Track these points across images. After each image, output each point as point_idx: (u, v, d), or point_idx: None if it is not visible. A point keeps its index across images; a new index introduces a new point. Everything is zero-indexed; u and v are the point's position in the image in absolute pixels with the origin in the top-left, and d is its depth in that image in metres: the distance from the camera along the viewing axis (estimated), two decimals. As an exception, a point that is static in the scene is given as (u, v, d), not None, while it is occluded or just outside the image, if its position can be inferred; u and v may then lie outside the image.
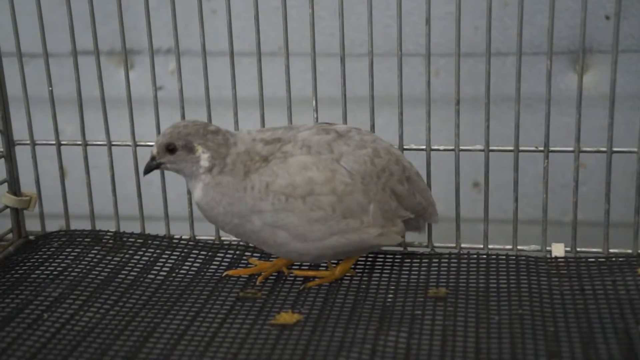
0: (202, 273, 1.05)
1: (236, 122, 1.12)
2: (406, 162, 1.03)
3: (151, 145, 1.15)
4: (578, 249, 1.07)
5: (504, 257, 1.05)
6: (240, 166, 0.96)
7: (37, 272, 1.05)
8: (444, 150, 1.09)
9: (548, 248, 1.07)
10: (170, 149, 0.97)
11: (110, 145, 1.16)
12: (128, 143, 1.16)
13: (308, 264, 1.06)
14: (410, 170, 1.02)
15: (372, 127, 1.09)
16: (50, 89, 1.14)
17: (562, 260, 1.04)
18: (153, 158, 0.99)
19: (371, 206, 0.97)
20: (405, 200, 1.00)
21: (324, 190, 0.95)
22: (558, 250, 1.06)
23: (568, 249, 1.07)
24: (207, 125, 0.99)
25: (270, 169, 0.96)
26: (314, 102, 1.10)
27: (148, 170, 1.00)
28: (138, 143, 1.15)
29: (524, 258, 1.05)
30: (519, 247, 1.09)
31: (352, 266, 1.05)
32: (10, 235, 1.18)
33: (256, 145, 0.98)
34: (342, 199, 0.95)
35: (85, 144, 1.17)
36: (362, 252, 1.02)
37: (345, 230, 0.96)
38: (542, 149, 1.06)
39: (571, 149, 1.06)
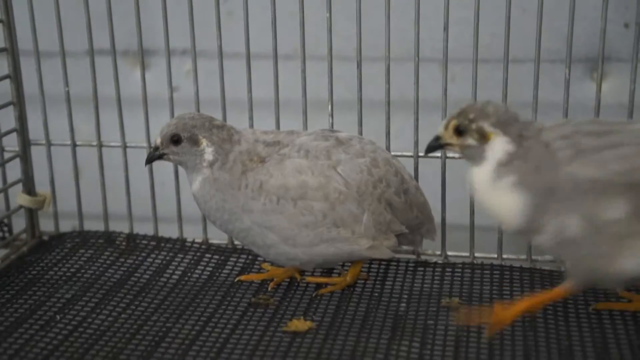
0: (215, 277, 1.05)
1: (251, 125, 1.12)
2: (406, 175, 1.01)
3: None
4: (593, 261, 1.06)
5: (518, 268, 1.05)
6: (239, 165, 0.96)
7: (50, 272, 1.06)
8: (460, 158, 1.08)
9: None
10: (174, 140, 0.97)
11: (125, 147, 1.16)
12: (143, 145, 1.15)
13: (320, 270, 1.06)
14: (409, 183, 1.01)
15: (388, 133, 1.09)
16: (66, 89, 1.15)
17: (577, 272, 1.03)
18: (156, 148, 0.98)
19: (364, 217, 0.96)
20: (401, 213, 0.99)
21: (317, 195, 0.95)
22: (573, 261, 1.05)
23: (583, 260, 1.06)
24: (212, 119, 0.99)
25: (265, 169, 0.96)
26: (329, 106, 1.10)
27: (150, 160, 1.00)
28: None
29: (537, 270, 1.04)
30: (532, 257, 1.08)
31: (365, 270, 1.04)
32: (24, 236, 1.18)
33: (257, 146, 0.98)
34: (335, 206, 0.95)
35: (100, 145, 1.17)
36: (354, 260, 1.01)
37: (335, 239, 0.96)
38: (558, 158, 1.05)
39: (588, 159, 1.05)
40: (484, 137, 0.87)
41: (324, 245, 0.96)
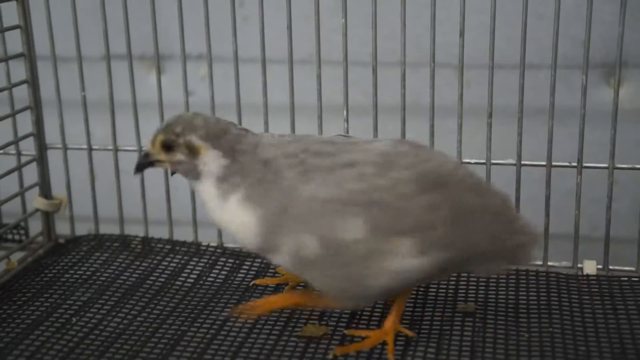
0: (230, 281, 1.05)
1: (266, 130, 1.12)
2: None
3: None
4: (610, 267, 1.06)
5: (534, 273, 1.04)
6: None
7: (66, 275, 1.06)
8: (475, 163, 1.08)
9: (579, 265, 1.06)
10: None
11: (140, 151, 1.17)
12: (158, 149, 1.16)
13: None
14: None
15: (403, 138, 1.09)
16: (83, 94, 1.15)
17: (594, 277, 1.03)
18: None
19: None
20: None
21: None
22: (590, 267, 1.05)
23: (600, 266, 1.06)
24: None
25: None
26: (344, 112, 1.10)
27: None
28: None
29: (554, 274, 1.03)
30: (549, 264, 1.08)
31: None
32: (40, 238, 1.19)
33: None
34: None
35: (116, 149, 1.17)
36: None
37: None
38: (575, 164, 1.05)
39: (605, 165, 1.05)
40: (193, 152, 0.82)
41: None
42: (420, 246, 0.80)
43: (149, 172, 1.17)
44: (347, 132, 1.10)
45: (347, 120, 1.10)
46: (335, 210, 0.79)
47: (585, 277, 1.03)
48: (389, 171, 0.81)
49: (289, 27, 1.08)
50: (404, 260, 0.80)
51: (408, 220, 0.79)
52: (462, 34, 1.03)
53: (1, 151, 1.14)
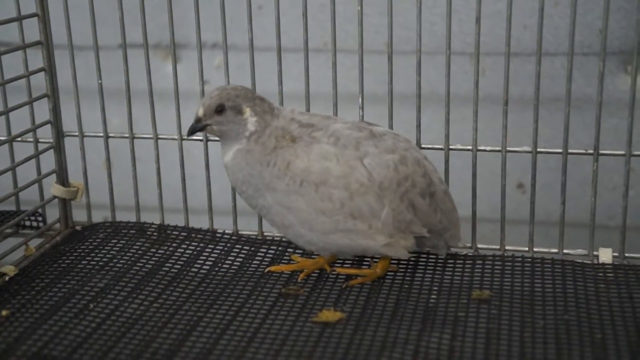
0: (245, 268, 1.06)
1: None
2: (436, 178, 1.00)
3: (197, 140, 1.16)
4: (626, 255, 1.05)
5: (550, 261, 1.04)
6: (273, 139, 0.98)
7: (83, 262, 1.07)
8: (491, 151, 1.08)
9: (595, 253, 1.06)
10: (219, 109, 0.99)
11: (157, 138, 1.17)
12: (174, 137, 1.17)
13: (350, 262, 1.06)
14: (437, 187, 1.00)
15: (418, 126, 1.09)
16: (99, 82, 1.16)
17: (610, 265, 1.02)
18: (199, 120, 0.99)
19: (384, 212, 0.96)
20: (423, 216, 0.98)
21: (338, 183, 0.95)
22: (605, 255, 1.04)
23: (616, 254, 1.05)
24: (252, 91, 1.01)
25: (293, 149, 0.97)
26: (360, 99, 1.10)
27: (193, 131, 1.00)
28: (184, 137, 1.16)
29: (569, 262, 1.03)
30: (565, 251, 1.07)
31: (395, 262, 1.04)
32: (57, 225, 1.20)
33: (292, 124, 0.99)
34: (354, 197, 0.95)
35: (133, 137, 1.18)
36: (370, 255, 1.01)
37: (351, 230, 0.96)
38: (591, 151, 1.05)
39: (622, 152, 1.04)
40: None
41: (339, 235, 0.96)
42: None
43: (164, 159, 1.19)
44: (363, 119, 1.10)
45: (362, 108, 1.10)
46: None
47: (601, 265, 1.02)
48: None
49: (305, 16, 1.08)
50: None
51: None
52: (478, 21, 1.03)
53: (19, 138, 1.15)
